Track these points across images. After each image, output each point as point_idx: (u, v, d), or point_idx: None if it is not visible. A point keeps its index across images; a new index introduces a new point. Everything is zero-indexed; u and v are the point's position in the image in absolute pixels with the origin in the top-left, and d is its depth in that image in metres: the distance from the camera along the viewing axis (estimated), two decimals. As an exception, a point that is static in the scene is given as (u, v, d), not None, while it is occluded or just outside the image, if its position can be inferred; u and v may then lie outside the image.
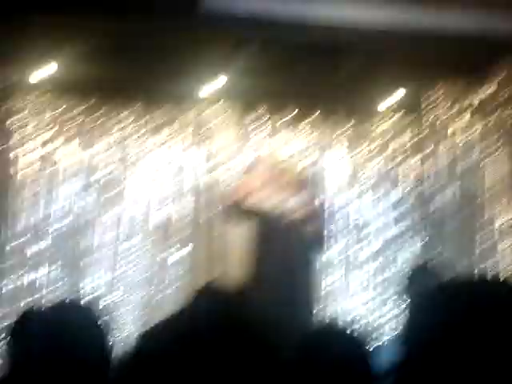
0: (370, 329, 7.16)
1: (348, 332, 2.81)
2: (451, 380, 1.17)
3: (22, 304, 6.94)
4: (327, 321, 4.80)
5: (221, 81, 7.32)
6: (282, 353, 1.34)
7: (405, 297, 3.93)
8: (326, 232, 6.31)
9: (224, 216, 6.52)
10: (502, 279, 1.35)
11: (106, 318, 2.49)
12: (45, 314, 2.68)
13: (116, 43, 6.42)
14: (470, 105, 7.35)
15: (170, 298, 7.38)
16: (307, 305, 6.00)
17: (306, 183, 6.41)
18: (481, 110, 7.31)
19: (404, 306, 7.52)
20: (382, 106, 7.76)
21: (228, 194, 6.45)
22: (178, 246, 7.57)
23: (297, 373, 2.52)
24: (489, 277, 1.34)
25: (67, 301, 3.45)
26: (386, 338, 7.37)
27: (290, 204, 6.15)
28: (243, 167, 6.45)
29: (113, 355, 2.79)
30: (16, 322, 2.25)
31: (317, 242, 6.23)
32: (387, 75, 6.95)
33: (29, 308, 2.71)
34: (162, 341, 1.24)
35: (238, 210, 6.16)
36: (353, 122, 7.88)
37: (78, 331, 2.19)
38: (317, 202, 6.31)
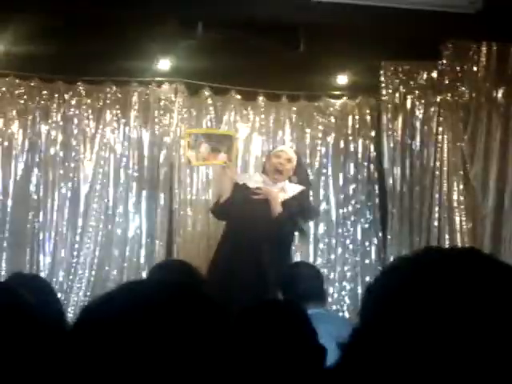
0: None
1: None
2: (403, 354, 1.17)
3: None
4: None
5: (166, 62, 7.28)
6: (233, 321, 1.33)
7: None
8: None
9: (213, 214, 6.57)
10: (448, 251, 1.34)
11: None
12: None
13: (59, 24, 6.32)
14: (421, 83, 7.38)
15: (127, 275, 7.38)
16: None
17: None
18: (431, 89, 7.35)
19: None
20: (332, 85, 7.77)
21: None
22: (131, 222, 7.56)
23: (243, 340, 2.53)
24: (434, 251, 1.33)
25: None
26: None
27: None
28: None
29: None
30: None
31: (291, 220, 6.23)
32: (336, 55, 6.94)
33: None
34: (114, 307, 1.23)
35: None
36: (302, 102, 7.87)
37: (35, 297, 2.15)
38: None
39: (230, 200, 6.22)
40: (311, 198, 6.91)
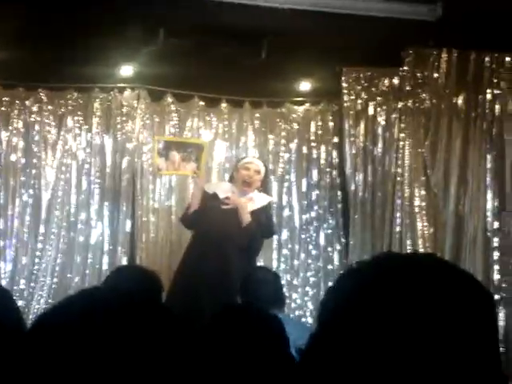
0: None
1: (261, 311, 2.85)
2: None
3: None
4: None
5: (128, 68, 7.25)
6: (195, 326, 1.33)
7: None
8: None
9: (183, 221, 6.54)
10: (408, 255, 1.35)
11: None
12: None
13: (20, 30, 6.28)
14: (383, 90, 7.43)
15: (89, 282, 7.33)
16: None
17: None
18: (393, 95, 7.40)
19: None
20: (295, 91, 7.80)
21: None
22: (93, 229, 7.51)
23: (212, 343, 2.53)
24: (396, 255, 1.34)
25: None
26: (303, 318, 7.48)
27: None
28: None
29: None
30: None
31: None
32: (299, 61, 6.96)
33: None
34: (73, 313, 1.23)
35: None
36: (265, 108, 7.89)
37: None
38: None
39: (200, 209, 6.23)
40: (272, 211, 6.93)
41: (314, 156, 7.90)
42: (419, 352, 1.15)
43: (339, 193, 7.83)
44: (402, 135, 7.28)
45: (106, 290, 1.42)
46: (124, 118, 7.61)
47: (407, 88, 7.25)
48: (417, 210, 7.15)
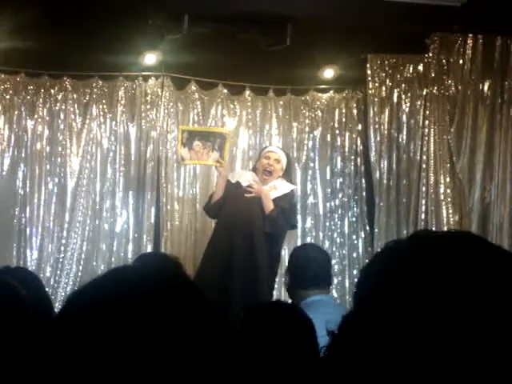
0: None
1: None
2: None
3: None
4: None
5: (152, 56, 7.25)
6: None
7: None
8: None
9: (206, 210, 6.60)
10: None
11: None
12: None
13: (46, 19, 6.29)
14: (408, 76, 7.39)
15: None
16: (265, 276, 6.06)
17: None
18: (417, 82, 7.36)
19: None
20: (319, 79, 7.77)
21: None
22: (118, 217, 7.54)
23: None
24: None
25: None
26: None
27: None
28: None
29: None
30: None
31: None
32: (323, 48, 6.94)
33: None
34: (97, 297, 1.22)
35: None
36: (289, 95, 7.87)
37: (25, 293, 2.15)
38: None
39: (223, 199, 6.26)
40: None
41: (338, 143, 7.87)
42: (458, 333, 1.13)
43: (363, 180, 7.80)
44: (427, 122, 7.25)
45: (134, 270, 1.40)
46: (148, 107, 7.62)
47: (432, 74, 7.22)
48: (442, 197, 7.12)
